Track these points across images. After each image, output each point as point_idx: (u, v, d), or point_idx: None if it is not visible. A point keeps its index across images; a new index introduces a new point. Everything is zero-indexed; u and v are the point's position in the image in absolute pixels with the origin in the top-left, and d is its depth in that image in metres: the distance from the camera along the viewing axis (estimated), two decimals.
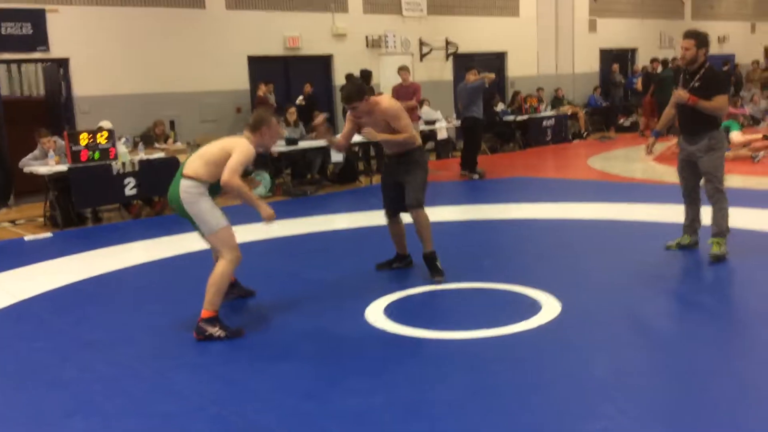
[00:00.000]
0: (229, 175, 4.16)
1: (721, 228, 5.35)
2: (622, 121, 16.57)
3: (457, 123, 12.52)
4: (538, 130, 14.52)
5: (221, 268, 4.25)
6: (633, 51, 19.11)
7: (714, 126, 5.33)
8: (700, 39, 5.25)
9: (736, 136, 10.91)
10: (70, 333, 4.56)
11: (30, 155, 8.41)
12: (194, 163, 4.31)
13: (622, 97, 17.47)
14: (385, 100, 5.31)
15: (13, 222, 8.82)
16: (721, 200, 5.33)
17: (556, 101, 15.88)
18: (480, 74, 10.64)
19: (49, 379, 3.84)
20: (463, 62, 13.75)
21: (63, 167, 8.09)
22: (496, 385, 3.50)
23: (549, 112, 15.10)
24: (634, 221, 6.90)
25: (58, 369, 3.97)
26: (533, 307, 4.51)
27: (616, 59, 18.08)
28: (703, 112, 5.21)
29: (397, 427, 3.10)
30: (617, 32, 18.53)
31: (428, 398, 3.38)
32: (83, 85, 10.61)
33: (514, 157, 13.30)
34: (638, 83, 16.03)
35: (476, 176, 10.59)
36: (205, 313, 4.21)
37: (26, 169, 8.39)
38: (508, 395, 3.39)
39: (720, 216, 5.34)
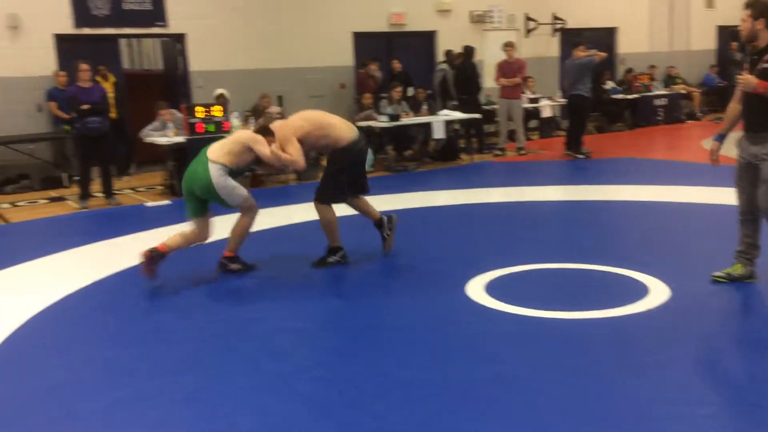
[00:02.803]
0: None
1: None
2: None
3: (563, 101, 12.26)
4: (649, 110, 13.99)
5: (244, 222, 5.18)
6: None
7: None
8: (756, 8, 4.19)
9: None
10: (189, 294, 4.86)
11: (149, 126, 8.92)
12: (218, 152, 5.07)
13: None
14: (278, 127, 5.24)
15: (134, 189, 9.40)
16: None
17: (669, 80, 15.21)
18: (589, 51, 10.36)
19: (168, 337, 4.13)
20: (570, 38, 13.38)
21: (181, 138, 8.53)
22: (600, 366, 3.48)
23: (661, 91, 14.50)
24: None
25: (176, 328, 4.26)
26: (640, 291, 4.43)
27: (734, 36, 17.07)
28: None
29: (498, 402, 3.15)
30: (736, 7, 17.40)
31: (529, 375, 3.41)
32: (198, 60, 11.08)
33: (623, 137, 12.88)
34: None
35: (581, 156, 10.36)
36: (228, 253, 5.27)
37: (146, 140, 8.91)
38: (612, 377, 3.36)
39: None
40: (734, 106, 4.50)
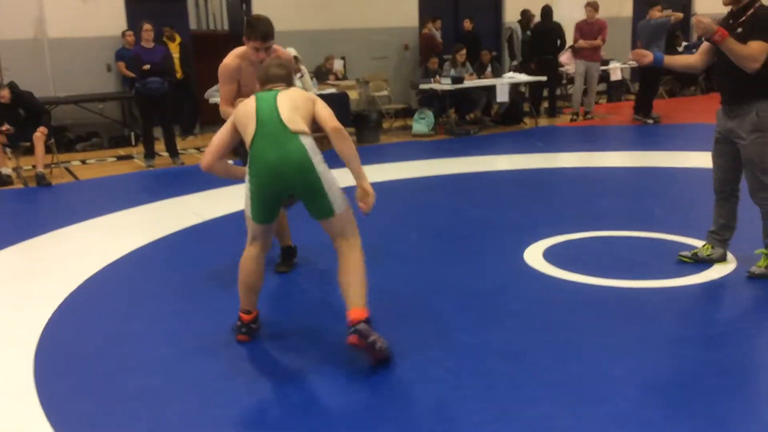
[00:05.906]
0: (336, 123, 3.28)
1: None
2: None
3: (634, 64, 11.84)
4: None
5: (361, 258, 3.28)
6: None
7: (766, 95, 3.81)
8: None
9: None
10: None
11: (214, 87, 9.02)
12: (297, 118, 3.23)
13: None
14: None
15: (198, 149, 9.58)
16: None
17: None
18: (664, 11, 9.94)
19: (229, 288, 4.21)
20: None
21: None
22: (658, 336, 3.38)
23: None
24: None
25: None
26: (704, 262, 4.28)
27: None
28: (750, 74, 3.76)
29: (550, 368, 3.10)
30: None
31: (583, 342, 3.34)
32: None
33: (695, 102, 12.39)
34: None
35: (650, 121, 10.02)
36: (365, 311, 3.14)
37: (211, 100, 9.03)
38: (670, 347, 3.27)
39: None
40: (695, 58, 4.26)
